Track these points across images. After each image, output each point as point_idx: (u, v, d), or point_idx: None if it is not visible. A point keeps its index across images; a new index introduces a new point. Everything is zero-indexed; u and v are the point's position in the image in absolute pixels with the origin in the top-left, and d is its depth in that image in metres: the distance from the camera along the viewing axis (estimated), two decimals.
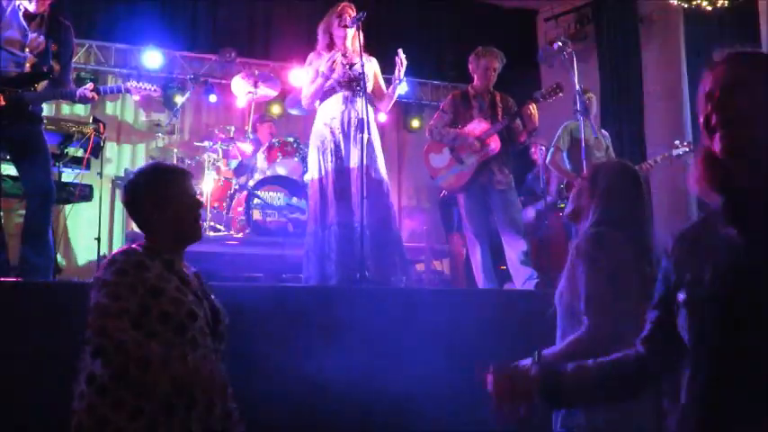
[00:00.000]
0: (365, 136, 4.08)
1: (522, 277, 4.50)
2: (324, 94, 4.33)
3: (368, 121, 4.11)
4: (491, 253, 4.71)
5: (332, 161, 4.21)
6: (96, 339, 1.80)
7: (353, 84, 4.24)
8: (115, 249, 2.06)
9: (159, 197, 2.03)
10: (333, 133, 4.24)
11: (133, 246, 1.99)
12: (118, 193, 6.91)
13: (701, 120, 1.28)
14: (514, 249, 4.55)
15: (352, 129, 4.20)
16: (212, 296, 2.10)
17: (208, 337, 1.96)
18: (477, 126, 4.68)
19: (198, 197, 2.13)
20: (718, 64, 1.31)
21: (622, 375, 1.43)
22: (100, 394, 1.83)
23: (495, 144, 4.63)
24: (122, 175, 6.82)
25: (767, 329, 1.15)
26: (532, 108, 4.52)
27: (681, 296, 1.30)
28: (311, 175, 4.37)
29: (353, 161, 4.16)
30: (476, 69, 4.78)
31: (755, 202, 1.22)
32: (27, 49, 3.75)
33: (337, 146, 4.21)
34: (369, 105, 4.24)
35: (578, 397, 1.50)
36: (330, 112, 4.28)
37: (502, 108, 4.75)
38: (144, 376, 1.78)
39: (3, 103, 3.62)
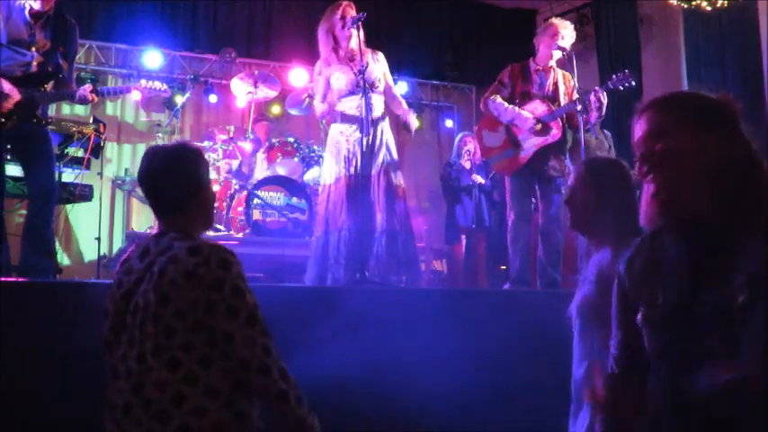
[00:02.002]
0: (378, 137, 4.13)
1: (545, 280, 4.36)
2: (340, 103, 4.31)
3: (373, 121, 4.12)
4: (530, 238, 4.49)
5: (346, 167, 4.20)
6: (262, 355, 1.73)
7: (369, 89, 4.21)
8: (207, 244, 1.83)
9: (203, 177, 1.92)
10: (348, 140, 4.24)
11: (204, 240, 1.83)
12: (118, 192, 6.93)
13: (636, 165, 1.39)
14: (547, 245, 4.37)
15: (369, 136, 4.17)
16: None
17: None
18: (537, 108, 4.39)
19: None
20: (643, 111, 1.39)
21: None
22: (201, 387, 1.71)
23: (556, 129, 4.35)
24: (122, 174, 6.83)
25: (721, 342, 1.24)
26: (603, 97, 4.21)
27: (638, 317, 1.41)
28: (324, 180, 4.34)
29: (371, 168, 4.17)
30: (541, 39, 4.46)
31: (688, 229, 1.34)
32: (33, 49, 3.73)
33: (353, 153, 4.21)
34: (382, 107, 4.25)
35: None
36: (348, 120, 4.28)
37: (565, 88, 4.47)
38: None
39: (18, 98, 3.60)
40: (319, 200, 4.37)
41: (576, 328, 2.16)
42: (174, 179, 1.88)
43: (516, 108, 4.43)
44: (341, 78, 4.27)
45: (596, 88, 4.27)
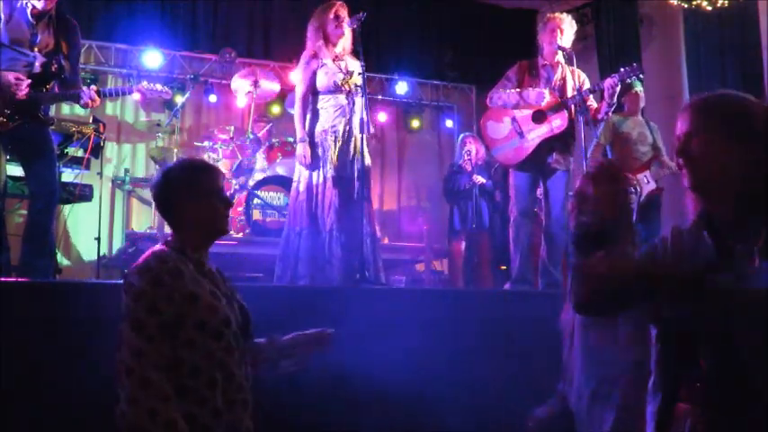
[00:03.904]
0: (365, 136, 4.08)
1: (546, 280, 4.35)
2: (322, 100, 4.31)
3: (368, 121, 4.10)
4: (530, 236, 4.47)
5: (331, 167, 4.20)
6: (128, 360, 1.77)
7: (352, 89, 4.21)
8: (143, 250, 1.98)
9: (196, 193, 2.00)
10: (335, 140, 4.23)
11: (163, 248, 1.95)
12: (118, 192, 6.93)
13: (674, 158, 1.54)
14: (551, 244, 4.36)
15: (348, 136, 4.18)
16: (237, 295, 2.08)
17: (240, 340, 1.95)
18: (543, 97, 4.38)
19: (228, 196, 2.12)
20: (684, 110, 1.51)
21: None
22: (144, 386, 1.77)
23: (561, 120, 4.34)
24: (122, 175, 6.83)
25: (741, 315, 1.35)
26: (617, 84, 4.18)
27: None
28: (304, 176, 4.29)
29: (346, 169, 4.16)
30: (542, 36, 4.47)
31: (718, 221, 1.48)
32: (36, 49, 3.73)
33: (327, 153, 4.21)
34: (367, 108, 4.22)
35: None
36: (326, 120, 4.26)
37: (573, 84, 4.42)
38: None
39: (29, 83, 3.58)
40: (299, 195, 4.28)
41: (572, 342, 2.14)
42: (160, 199, 2.05)
43: (520, 92, 4.40)
44: (327, 75, 4.26)
45: (612, 74, 4.27)
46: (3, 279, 3.23)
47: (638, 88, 5.39)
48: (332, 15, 4.24)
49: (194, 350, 1.83)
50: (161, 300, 1.82)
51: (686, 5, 6.25)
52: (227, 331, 1.89)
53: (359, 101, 4.21)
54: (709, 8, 6.02)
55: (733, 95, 1.51)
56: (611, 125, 5.25)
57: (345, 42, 4.29)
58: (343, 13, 4.24)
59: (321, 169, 4.23)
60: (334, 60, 4.29)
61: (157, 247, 1.97)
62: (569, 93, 4.44)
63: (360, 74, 4.12)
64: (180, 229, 2.01)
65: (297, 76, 4.43)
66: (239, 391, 1.90)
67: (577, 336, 2.14)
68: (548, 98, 4.36)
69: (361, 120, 4.07)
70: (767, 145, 1.42)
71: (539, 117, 4.38)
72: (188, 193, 2.00)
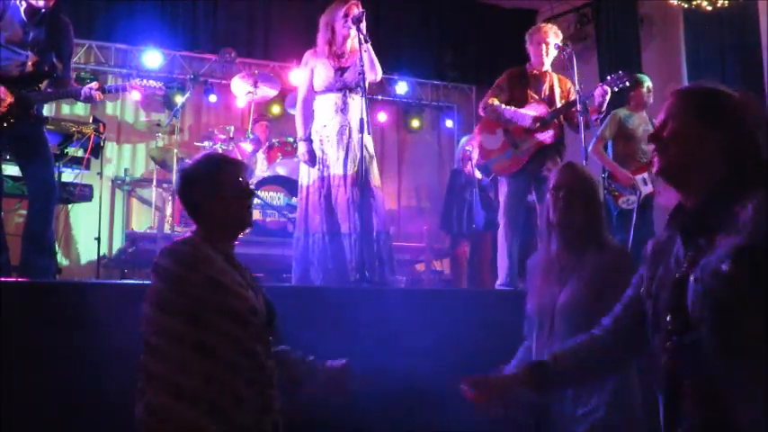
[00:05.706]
0: (365, 136, 4.06)
1: None
2: (319, 100, 4.30)
3: (367, 121, 4.08)
4: (520, 249, 4.48)
5: (319, 169, 4.19)
6: (153, 338, 1.83)
7: (346, 89, 4.19)
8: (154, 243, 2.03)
9: (223, 186, 2.04)
10: (321, 141, 4.22)
11: (192, 236, 1.98)
12: (118, 192, 6.93)
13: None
14: None
15: (344, 136, 4.16)
16: (263, 290, 2.11)
17: (267, 332, 1.99)
18: (534, 109, 4.43)
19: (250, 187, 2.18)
20: (667, 98, 1.52)
21: (598, 358, 1.68)
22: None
23: (552, 130, 4.41)
24: (122, 174, 6.83)
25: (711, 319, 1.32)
26: (607, 93, 4.25)
27: (644, 293, 1.55)
28: (301, 180, 4.35)
29: (342, 169, 4.14)
30: (530, 46, 4.54)
31: (685, 210, 1.48)
32: (28, 48, 3.72)
33: (325, 153, 4.20)
34: (367, 108, 4.20)
35: (565, 382, 1.76)
36: (321, 120, 4.25)
37: (561, 91, 4.50)
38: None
39: (11, 100, 3.59)
40: (298, 199, 4.38)
41: (552, 327, 2.25)
42: (186, 200, 2.10)
43: (513, 108, 4.47)
44: (321, 73, 4.24)
45: (601, 83, 4.32)
46: (3, 279, 3.23)
47: (647, 84, 5.35)
48: (341, 13, 4.20)
49: (220, 336, 1.86)
50: (192, 285, 1.85)
51: (686, 5, 6.25)
52: (254, 320, 1.93)
53: (356, 99, 4.18)
54: (709, 8, 6.02)
55: (713, 85, 1.50)
56: (618, 119, 5.21)
57: (352, 41, 4.23)
58: (355, 12, 4.17)
59: (311, 171, 4.23)
60: (338, 58, 4.27)
61: (187, 235, 2.01)
62: (558, 101, 4.49)
63: (360, 73, 4.08)
64: (206, 223, 2.03)
65: (298, 77, 4.43)
66: (269, 382, 1.95)
67: (559, 322, 2.18)
68: (536, 114, 4.40)
69: (361, 120, 4.05)
70: (739, 132, 1.41)
71: (531, 128, 4.43)
72: (216, 188, 2.04)
